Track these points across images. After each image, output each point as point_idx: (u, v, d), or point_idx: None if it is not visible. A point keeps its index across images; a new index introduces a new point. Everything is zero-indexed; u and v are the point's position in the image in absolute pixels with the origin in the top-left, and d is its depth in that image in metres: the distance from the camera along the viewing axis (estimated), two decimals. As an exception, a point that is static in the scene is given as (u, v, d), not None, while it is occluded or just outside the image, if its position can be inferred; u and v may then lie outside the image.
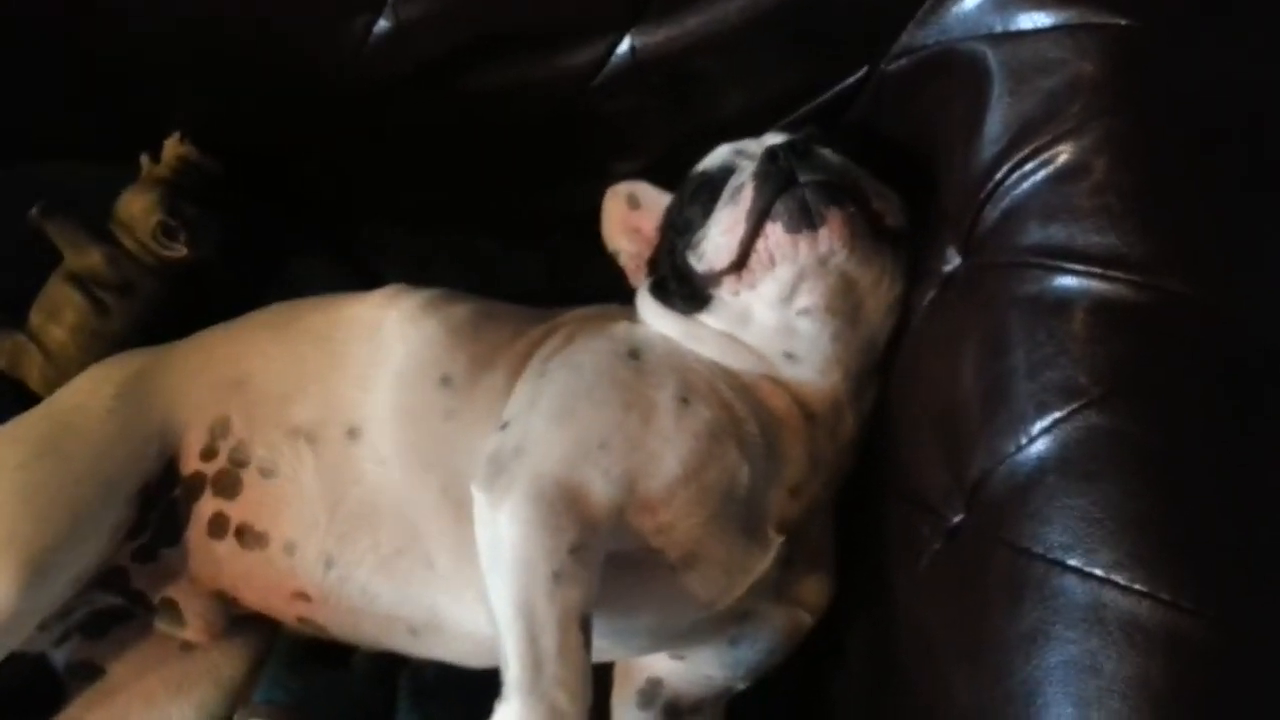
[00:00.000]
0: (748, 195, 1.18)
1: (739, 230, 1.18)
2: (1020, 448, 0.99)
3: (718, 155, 1.32)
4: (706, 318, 1.27)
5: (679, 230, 1.30)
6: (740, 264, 1.20)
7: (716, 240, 1.22)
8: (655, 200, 1.42)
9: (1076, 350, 0.99)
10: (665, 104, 1.43)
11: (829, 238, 1.15)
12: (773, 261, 1.17)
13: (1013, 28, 1.16)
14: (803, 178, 1.16)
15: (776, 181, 1.16)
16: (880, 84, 1.34)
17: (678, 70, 1.38)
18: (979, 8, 1.20)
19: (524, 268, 1.61)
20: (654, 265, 1.39)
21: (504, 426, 1.19)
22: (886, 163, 1.24)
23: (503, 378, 1.28)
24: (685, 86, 1.40)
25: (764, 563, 1.19)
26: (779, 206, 1.16)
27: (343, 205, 1.57)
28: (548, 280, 1.61)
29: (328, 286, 1.42)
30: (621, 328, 1.33)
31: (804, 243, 1.15)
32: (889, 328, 1.25)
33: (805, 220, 1.14)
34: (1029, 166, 1.09)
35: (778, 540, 1.19)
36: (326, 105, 1.46)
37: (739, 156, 1.28)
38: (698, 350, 1.26)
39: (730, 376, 1.25)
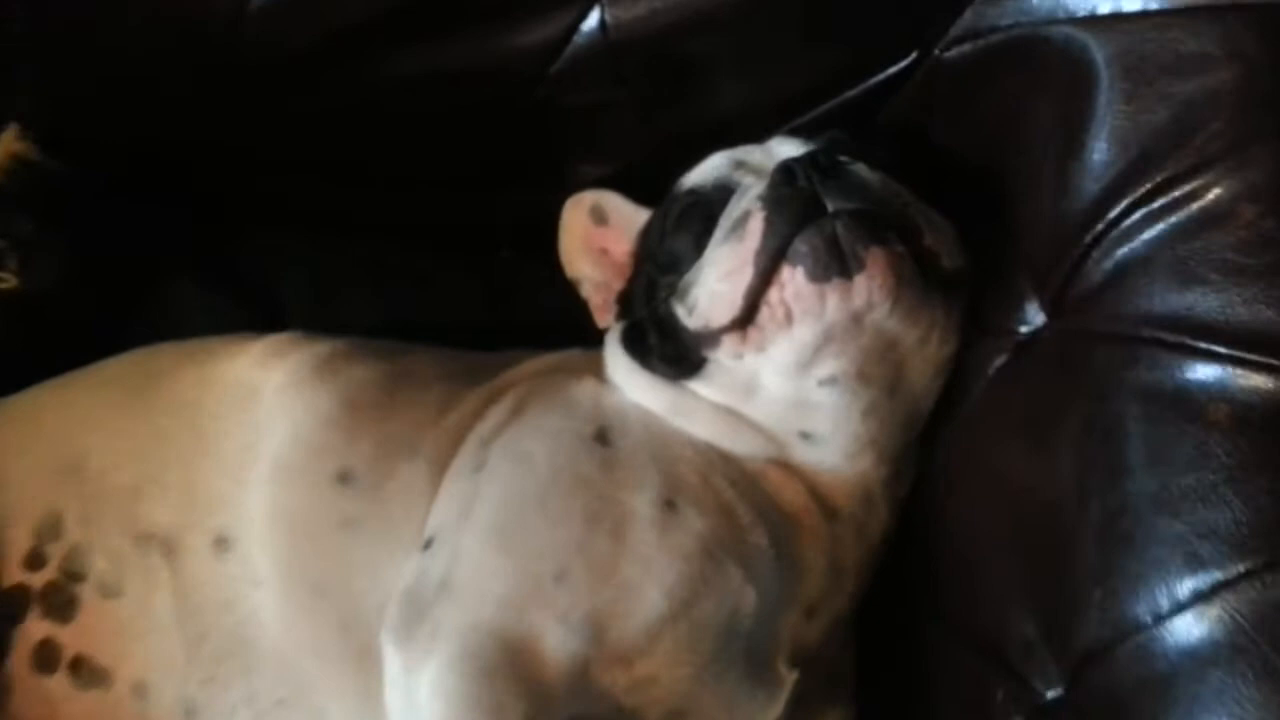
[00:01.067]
0: (756, 229, 0.95)
1: (744, 277, 0.95)
2: (1160, 619, 0.75)
3: (711, 167, 1.09)
4: (698, 386, 1.04)
5: (660, 265, 1.08)
6: (745, 320, 0.97)
7: (714, 288, 0.98)
8: (628, 216, 1.20)
9: (1241, 480, 0.75)
10: (644, 96, 1.19)
11: (868, 287, 0.92)
12: (789, 318, 0.94)
13: (1128, 6, 0.90)
14: (831, 205, 0.93)
15: (795, 210, 0.93)
16: (933, 75, 1.10)
17: (661, 54, 1.15)
18: (1072, -20, 0.92)
19: (461, 291, 1.37)
20: (626, 303, 1.16)
21: (426, 546, 0.97)
22: (938, 180, 1.02)
23: (425, 470, 1.04)
24: (671, 75, 1.17)
25: (773, 710, 0.97)
26: (800, 245, 0.92)
27: (229, 213, 1.33)
28: (489, 308, 1.37)
29: (207, 322, 1.22)
30: (586, 393, 1.10)
31: (833, 294, 0.92)
32: (935, 392, 1.04)
33: (836, 264, 0.91)
34: (1156, 205, 0.85)
35: (791, 678, 0.98)
36: (206, 86, 1.22)
37: (739, 171, 1.06)
38: (687, 430, 1.04)
39: (729, 465, 1.02)
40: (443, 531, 0.97)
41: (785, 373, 0.98)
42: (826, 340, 0.94)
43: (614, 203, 1.21)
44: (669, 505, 0.96)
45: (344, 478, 1.02)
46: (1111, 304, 0.87)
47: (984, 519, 0.96)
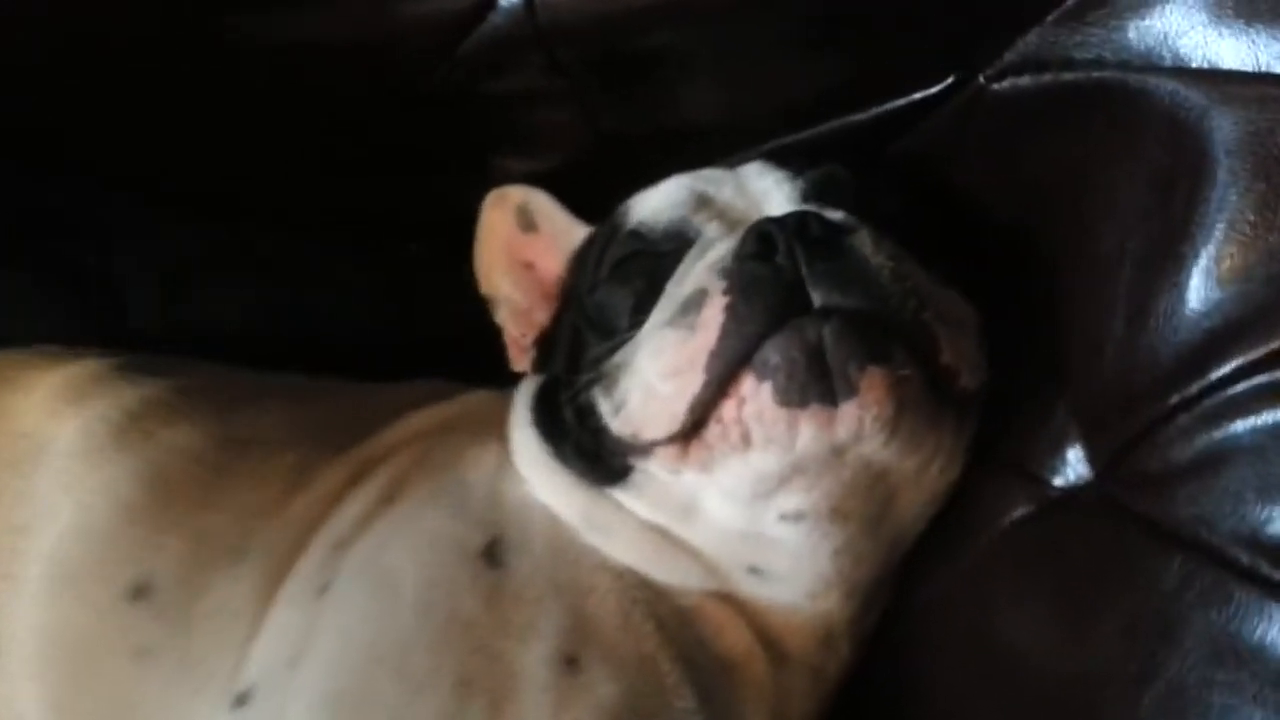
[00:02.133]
0: (714, 319, 0.75)
1: (691, 382, 0.75)
2: None
3: (666, 201, 0.89)
4: (623, 496, 0.85)
5: (590, 319, 0.90)
6: (690, 432, 0.77)
7: (650, 387, 0.78)
8: (560, 227, 1.01)
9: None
10: (587, 91, 0.95)
11: (857, 418, 0.73)
12: (746, 442, 0.75)
13: (1261, 66, 0.67)
14: (819, 297, 0.73)
15: (770, 301, 0.74)
16: (973, 108, 0.87)
17: (607, 45, 0.91)
18: (1186, 14, 0.72)
19: (352, 292, 1.15)
20: (546, 349, 0.99)
21: (239, 702, 0.78)
22: (963, 244, 0.83)
23: (251, 585, 0.84)
24: (621, 70, 0.93)
25: None
26: (771, 354, 0.73)
27: (69, 186, 1.09)
28: (386, 314, 1.15)
29: (32, 314, 1.04)
30: (483, 476, 0.91)
31: (809, 423, 0.73)
32: (927, 519, 0.86)
33: (818, 386, 0.72)
34: (1281, 376, 0.64)
35: None
36: (48, 45, 0.99)
37: (701, 213, 0.87)
38: (604, 549, 0.86)
39: (656, 599, 0.85)
40: (263, 684, 0.79)
41: (735, 501, 0.80)
42: (794, 473, 0.77)
43: (545, 207, 1.02)
44: (570, 664, 0.78)
45: (140, 591, 0.82)
46: (1188, 498, 0.67)
47: (975, 689, 0.80)
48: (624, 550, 0.84)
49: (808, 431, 0.72)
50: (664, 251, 0.84)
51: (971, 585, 0.82)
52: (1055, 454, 0.76)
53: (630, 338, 0.81)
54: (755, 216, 0.85)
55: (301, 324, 1.10)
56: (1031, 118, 0.81)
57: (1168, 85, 0.70)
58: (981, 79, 0.83)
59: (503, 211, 1.02)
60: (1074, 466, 0.75)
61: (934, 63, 0.86)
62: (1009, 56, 0.81)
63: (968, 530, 0.82)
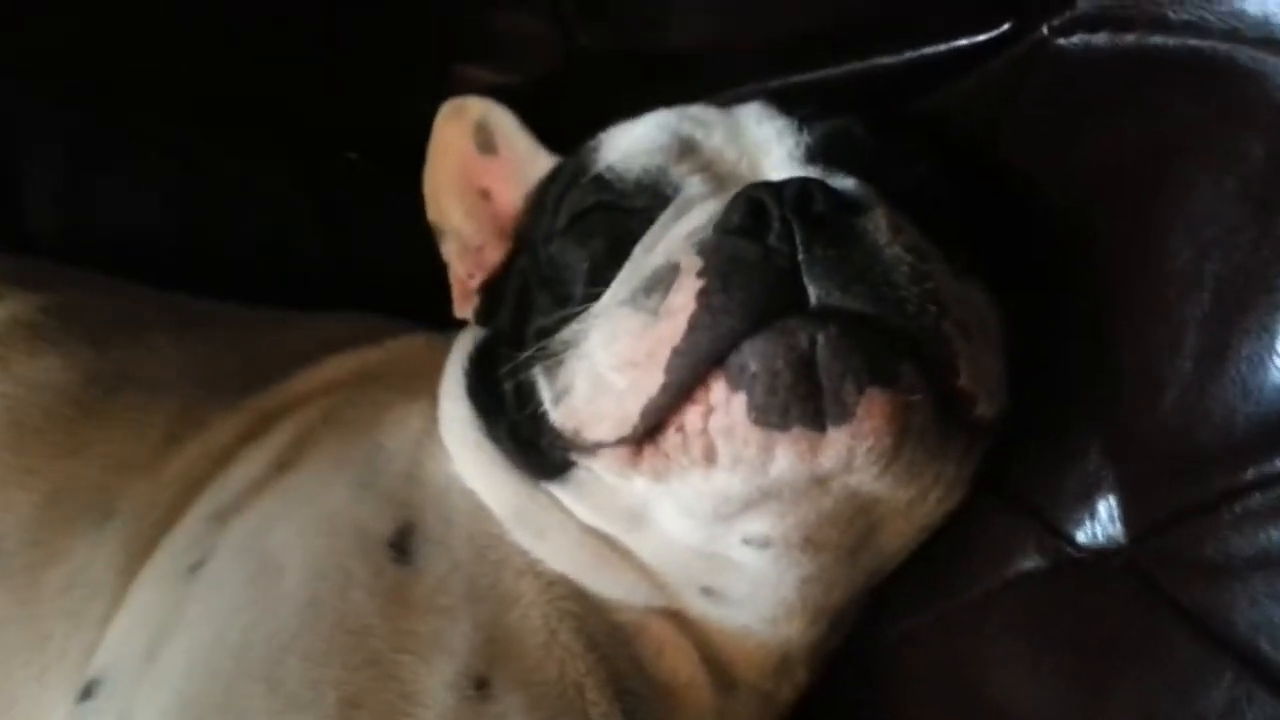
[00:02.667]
0: (684, 304, 0.62)
1: (649, 380, 0.62)
2: None
3: (643, 138, 0.76)
4: (562, 494, 0.74)
5: (542, 275, 0.77)
6: (643, 438, 0.64)
7: (601, 377, 0.65)
8: (521, 154, 0.88)
9: None
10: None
11: (849, 447, 0.60)
12: (710, 458, 0.63)
13: None
14: (816, 292, 0.60)
15: (755, 291, 0.60)
16: (1031, 62, 0.71)
17: None
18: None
19: (275, 206, 1.00)
20: (492, 298, 0.85)
21: (85, 695, 0.68)
22: (1001, 223, 0.70)
23: (113, 553, 0.72)
24: None
25: None
26: (749, 360, 0.60)
27: None
28: (311, 232, 1.00)
29: None
30: (403, 446, 0.78)
31: (789, 448, 0.60)
32: (917, 545, 0.74)
33: (802, 406, 0.59)
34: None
35: None
36: None
37: (683, 162, 0.73)
38: (535, 552, 0.74)
39: (590, 613, 0.74)
40: (113, 677, 0.68)
41: (692, 517, 0.69)
42: (764, 498, 0.65)
43: (506, 126, 0.89)
44: (479, 688, 0.67)
45: None
46: (1248, 598, 0.55)
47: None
48: (558, 556, 0.73)
49: (785, 457, 0.60)
50: (634, 208, 0.72)
51: (964, 628, 0.71)
52: (1081, 505, 0.64)
53: (583, 311, 0.69)
54: (748, 174, 0.72)
55: (216, 236, 0.98)
56: (1103, 85, 0.65)
57: (1282, 64, 0.55)
58: (1045, 30, 0.68)
59: (459, 126, 0.90)
60: (1103, 525, 0.63)
61: (985, 2, 0.70)
62: (1084, 5, 0.65)
63: (967, 569, 0.72)
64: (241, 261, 0.96)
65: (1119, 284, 0.64)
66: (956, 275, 0.66)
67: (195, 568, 0.70)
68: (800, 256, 0.59)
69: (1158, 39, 0.61)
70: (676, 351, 0.60)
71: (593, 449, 0.66)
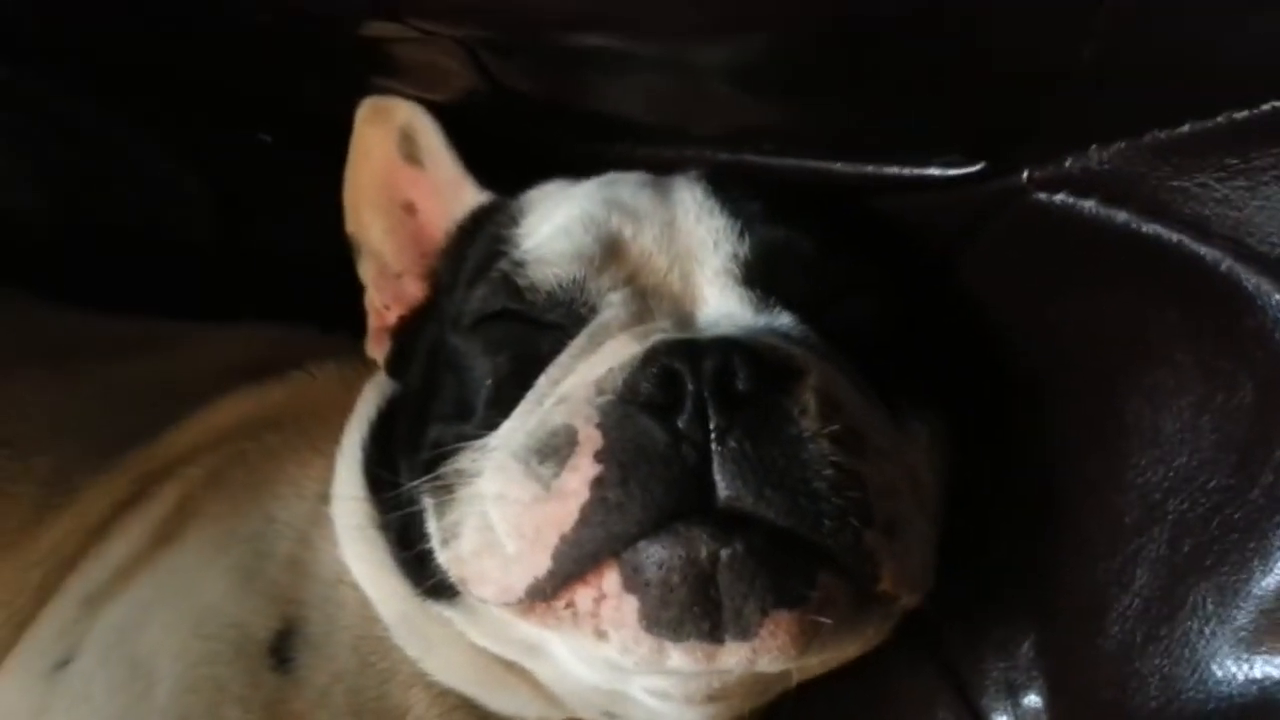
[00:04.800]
0: (577, 490, 0.55)
1: (535, 561, 0.56)
2: None
3: (568, 232, 0.66)
4: (452, 615, 0.68)
5: (447, 358, 0.69)
6: (538, 595, 0.58)
7: (490, 535, 0.59)
8: (446, 174, 0.79)
9: None
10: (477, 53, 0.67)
11: (748, 658, 0.55)
12: (601, 637, 0.57)
13: None
14: (725, 492, 0.53)
15: (654, 490, 0.54)
16: (1002, 208, 0.62)
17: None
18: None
19: (169, 187, 0.88)
20: (404, 349, 0.78)
21: None
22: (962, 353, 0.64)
23: None
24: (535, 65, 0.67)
25: None
26: (644, 561, 0.54)
27: None
28: (209, 221, 0.89)
29: None
30: (292, 522, 0.71)
31: (682, 655, 0.55)
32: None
33: (700, 625, 0.54)
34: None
35: None
36: None
37: (608, 269, 0.65)
38: (422, 662, 0.69)
39: None
40: None
41: (592, 665, 0.64)
42: (661, 675, 0.62)
43: (432, 142, 0.79)
44: None
45: None
46: None
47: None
48: (448, 670, 0.69)
49: (680, 660, 0.55)
50: (546, 322, 0.64)
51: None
52: (1006, 696, 0.59)
53: (479, 439, 0.62)
54: (676, 291, 0.64)
55: (94, 215, 0.86)
56: (1082, 255, 0.57)
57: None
58: (1024, 177, 0.59)
59: (382, 131, 0.80)
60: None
61: (957, 138, 0.61)
62: (1072, 166, 0.56)
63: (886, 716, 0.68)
64: (122, 244, 0.85)
65: (1074, 472, 0.57)
66: (897, 421, 0.60)
67: (61, 665, 0.65)
68: (713, 448, 0.53)
69: (1154, 228, 0.52)
70: (565, 540, 0.54)
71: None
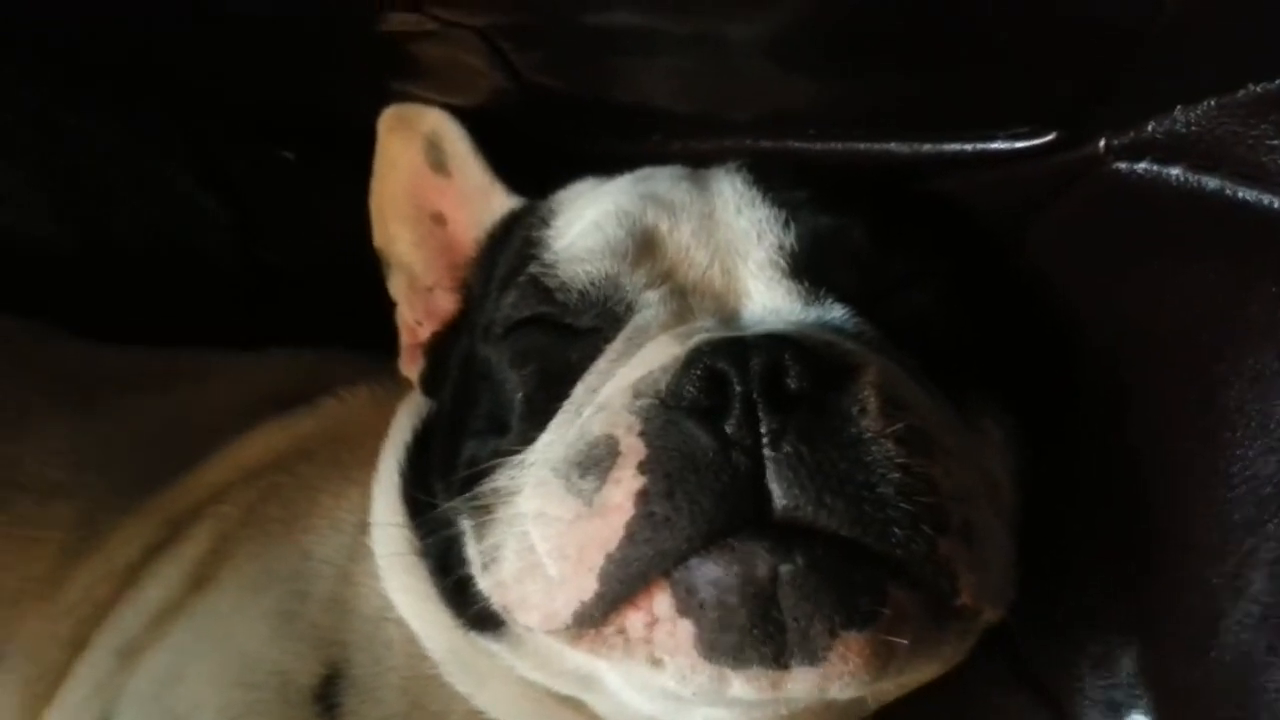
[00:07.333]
0: (621, 504, 0.51)
1: (582, 585, 0.52)
2: None
3: (601, 229, 0.62)
4: (498, 648, 0.64)
5: (479, 370, 0.66)
6: (586, 622, 0.54)
7: (533, 556, 0.55)
8: (475, 181, 0.75)
9: None
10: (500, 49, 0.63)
11: (817, 683, 0.51)
12: (656, 664, 0.53)
13: None
14: (782, 501, 0.49)
15: (704, 502, 0.49)
16: (1078, 180, 0.57)
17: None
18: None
19: (191, 207, 0.85)
20: (437, 366, 0.74)
21: None
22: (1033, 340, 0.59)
23: (8, 698, 0.62)
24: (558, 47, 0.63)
25: None
26: (698, 581, 0.50)
27: None
28: (232, 241, 0.86)
29: None
30: (329, 562, 0.67)
31: (745, 684, 0.51)
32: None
33: (763, 650, 0.49)
34: None
35: None
36: None
37: (644, 264, 0.61)
38: (475, 699, 0.64)
39: None
40: None
41: (649, 696, 0.60)
42: (724, 704, 0.57)
43: (458, 146, 0.75)
44: None
45: None
46: None
47: None
48: (502, 706, 0.64)
49: (742, 688, 0.51)
50: (579, 327, 0.61)
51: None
52: (1108, 714, 0.54)
53: (516, 454, 0.58)
54: (718, 288, 0.60)
55: (112, 238, 0.83)
56: (1169, 228, 0.52)
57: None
58: (1102, 145, 0.54)
59: (407, 140, 0.76)
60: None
61: (1025, 108, 0.56)
62: (1155, 129, 0.51)
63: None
64: (140, 264, 0.83)
65: (1171, 468, 0.51)
66: (966, 420, 0.55)
67: None
68: (765, 453, 0.49)
69: (1251, 194, 0.47)
70: (610, 560, 0.51)
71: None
